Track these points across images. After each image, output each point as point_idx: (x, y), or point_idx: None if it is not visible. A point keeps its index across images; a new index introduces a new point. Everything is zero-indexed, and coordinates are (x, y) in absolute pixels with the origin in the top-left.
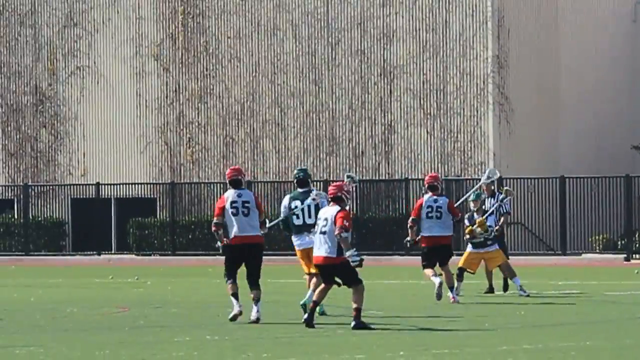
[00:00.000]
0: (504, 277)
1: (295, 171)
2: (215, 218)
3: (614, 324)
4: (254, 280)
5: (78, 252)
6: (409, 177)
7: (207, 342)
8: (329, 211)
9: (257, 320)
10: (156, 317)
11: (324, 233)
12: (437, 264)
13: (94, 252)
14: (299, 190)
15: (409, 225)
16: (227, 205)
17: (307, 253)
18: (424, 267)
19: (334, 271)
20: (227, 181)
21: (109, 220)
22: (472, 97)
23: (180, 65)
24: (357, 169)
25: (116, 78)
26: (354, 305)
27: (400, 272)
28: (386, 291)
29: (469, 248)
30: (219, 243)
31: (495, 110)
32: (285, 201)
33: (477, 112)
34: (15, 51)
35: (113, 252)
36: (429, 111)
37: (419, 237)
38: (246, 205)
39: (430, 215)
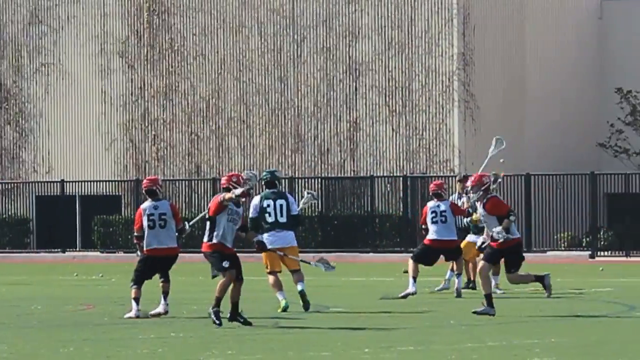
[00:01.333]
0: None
1: (264, 173)
2: (135, 231)
3: (578, 321)
4: (165, 274)
5: (42, 250)
6: (374, 175)
7: (171, 339)
8: None
9: (165, 313)
10: (121, 314)
11: None
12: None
13: (59, 250)
14: (269, 190)
15: (424, 233)
16: (144, 218)
17: (278, 251)
18: (414, 259)
19: (206, 257)
20: (144, 191)
21: (74, 218)
22: (437, 94)
23: (146, 62)
24: (323, 166)
25: (81, 75)
26: (231, 300)
27: (364, 269)
28: (351, 288)
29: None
30: (139, 252)
31: (460, 108)
32: (256, 201)
33: (443, 109)
34: None
35: (77, 249)
36: (394, 108)
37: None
38: (163, 217)
39: (435, 220)
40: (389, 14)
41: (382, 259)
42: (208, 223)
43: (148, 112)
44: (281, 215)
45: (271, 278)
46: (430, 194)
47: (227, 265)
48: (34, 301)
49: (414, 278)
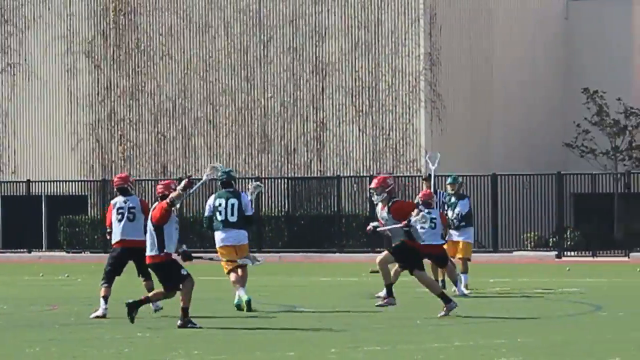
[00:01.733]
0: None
1: (219, 173)
2: (107, 227)
3: (545, 321)
4: (145, 272)
5: (8, 250)
6: (341, 175)
7: (138, 339)
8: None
9: (159, 309)
10: (87, 315)
11: (146, 232)
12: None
13: (25, 250)
14: (224, 189)
15: None
16: (114, 211)
17: (232, 249)
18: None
19: (159, 269)
20: (115, 189)
21: (40, 218)
22: (404, 94)
23: (112, 62)
24: (289, 166)
25: (47, 75)
26: (182, 305)
27: (331, 269)
28: (317, 288)
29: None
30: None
31: (427, 108)
32: (211, 200)
33: (409, 109)
34: None
35: (44, 249)
36: (361, 108)
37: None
38: (132, 210)
39: (424, 226)
40: (356, 14)
41: (348, 259)
42: (155, 234)
43: (114, 112)
44: (232, 215)
45: (232, 276)
46: (420, 203)
47: (185, 273)
48: (1, 301)
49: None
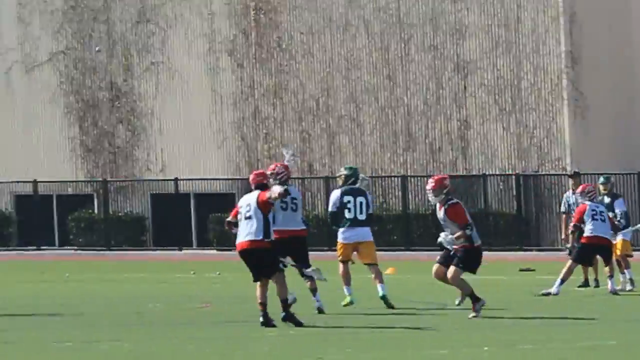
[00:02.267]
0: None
1: (346, 170)
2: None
3: None
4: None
5: (159, 247)
6: (487, 173)
7: (290, 337)
8: (251, 197)
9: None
10: (239, 313)
11: (249, 218)
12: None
13: (175, 248)
14: (350, 187)
15: (570, 231)
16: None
17: (350, 248)
18: (575, 261)
19: (261, 255)
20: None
21: (189, 216)
22: (546, 92)
23: (254, 61)
24: (434, 165)
25: (190, 74)
26: (280, 297)
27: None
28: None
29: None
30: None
31: (570, 106)
32: (336, 194)
33: (552, 107)
34: (89, 47)
35: (194, 247)
36: (504, 107)
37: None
38: (295, 201)
39: (595, 217)
40: (495, 12)
41: (495, 257)
42: (263, 221)
43: (258, 110)
44: (360, 213)
45: (341, 267)
46: (587, 198)
47: (282, 267)
48: (154, 299)
49: (563, 280)
